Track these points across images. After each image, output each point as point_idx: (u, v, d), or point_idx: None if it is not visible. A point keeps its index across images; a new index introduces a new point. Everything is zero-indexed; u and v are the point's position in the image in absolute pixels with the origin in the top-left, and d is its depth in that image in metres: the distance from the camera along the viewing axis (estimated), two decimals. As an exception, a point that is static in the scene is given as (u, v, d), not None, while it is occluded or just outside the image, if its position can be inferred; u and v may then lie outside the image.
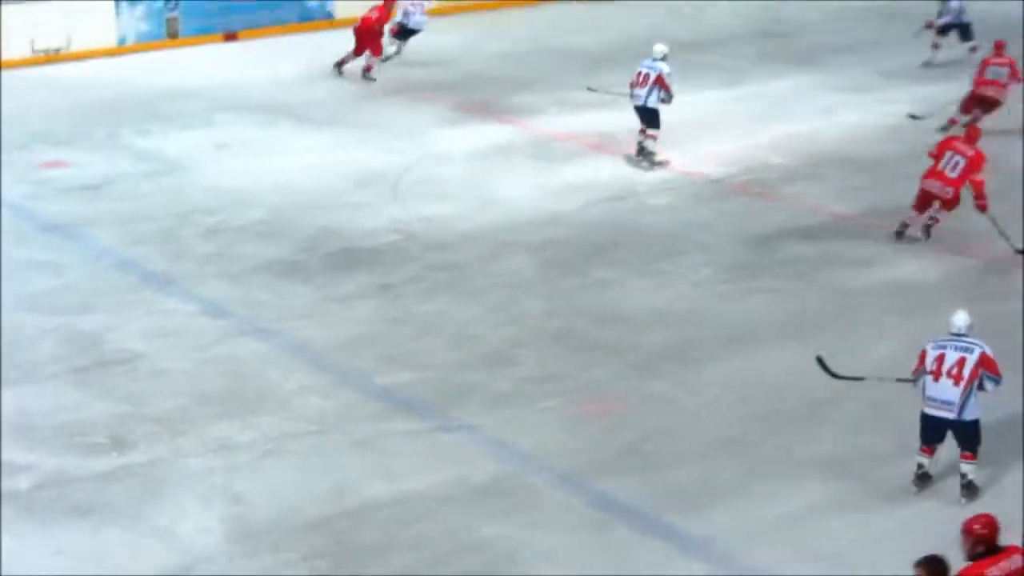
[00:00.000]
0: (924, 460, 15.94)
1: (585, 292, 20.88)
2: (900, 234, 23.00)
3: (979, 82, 28.45)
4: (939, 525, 13.91)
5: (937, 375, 15.75)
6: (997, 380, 15.75)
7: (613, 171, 25.81)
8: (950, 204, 22.75)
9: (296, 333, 19.55)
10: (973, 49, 32.70)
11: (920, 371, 15.92)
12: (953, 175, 22.54)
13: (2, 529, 14.77)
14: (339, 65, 32.01)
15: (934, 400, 15.76)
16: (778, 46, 33.94)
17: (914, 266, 21.72)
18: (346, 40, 32.34)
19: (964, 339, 15.92)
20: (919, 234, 22.90)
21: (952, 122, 28.06)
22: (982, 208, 22.35)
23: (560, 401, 17.70)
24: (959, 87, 28.98)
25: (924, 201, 22.81)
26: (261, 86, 31.34)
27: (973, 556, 11.58)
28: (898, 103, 29.46)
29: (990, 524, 11.54)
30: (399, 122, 28.58)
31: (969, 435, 15.75)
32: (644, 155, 26.45)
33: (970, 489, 15.72)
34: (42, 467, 16.05)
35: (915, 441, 16.03)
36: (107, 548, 14.63)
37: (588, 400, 17.80)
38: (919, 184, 22.78)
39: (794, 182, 25.33)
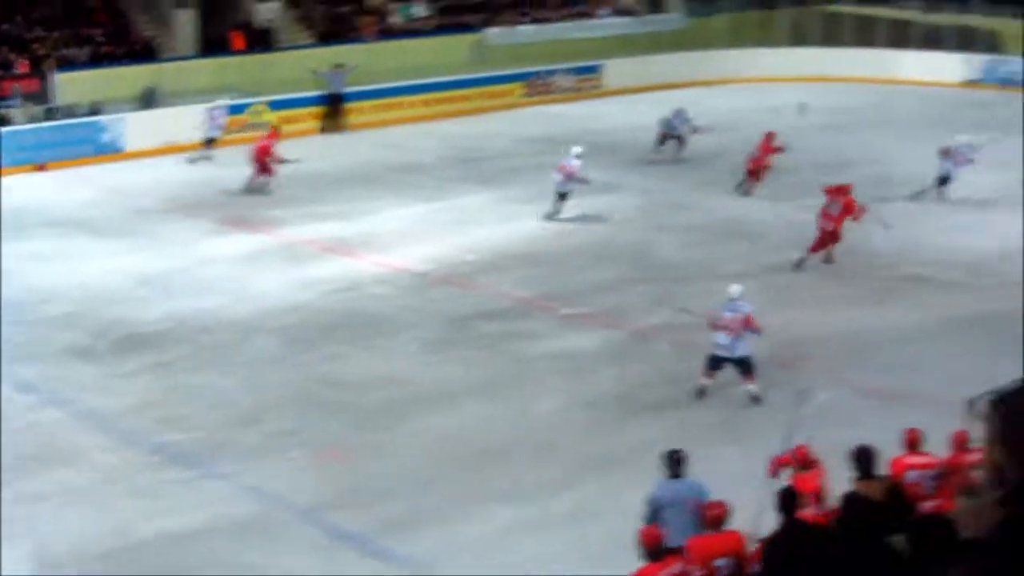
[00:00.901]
0: (706, 382, 19.09)
1: (319, 364, 20.69)
2: (799, 264, 25.51)
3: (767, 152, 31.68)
4: (597, 544, 14.06)
5: (720, 328, 18.89)
6: (756, 332, 18.89)
7: (342, 268, 25.61)
8: (834, 235, 25.49)
9: (89, 402, 19.16)
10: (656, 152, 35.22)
11: (713, 326, 18.97)
12: (834, 214, 25.38)
13: None
14: (251, 185, 31.69)
15: (718, 345, 18.95)
16: (472, 169, 34.18)
17: (576, 337, 21.85)
18: (135, 169, 32.23)
19: (736, 303, 18.95)
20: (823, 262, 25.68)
21: (747, 189, 31.58)
22: (855, 218, 25.58)
23: (300, 451, 17.53)
24: (616, 197, 29.70)
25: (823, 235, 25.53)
26: (65, 206, 30.71)
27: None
28: (565, 211, 29.69)
29: (656, 537, 11.64)
30: (173, 233, 28.17)
31: (744, 366, 18.95)
32: (556, 213, 29.10)
33: (756, 399, 18.79)
34: None
35: (578, 473, 16.73)
36: (-68, 582, 14.26)
37: (322, 450, 17.65)
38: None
39: (484, 274, 25.36)
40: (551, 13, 48.48)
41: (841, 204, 25.41)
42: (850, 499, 11.56)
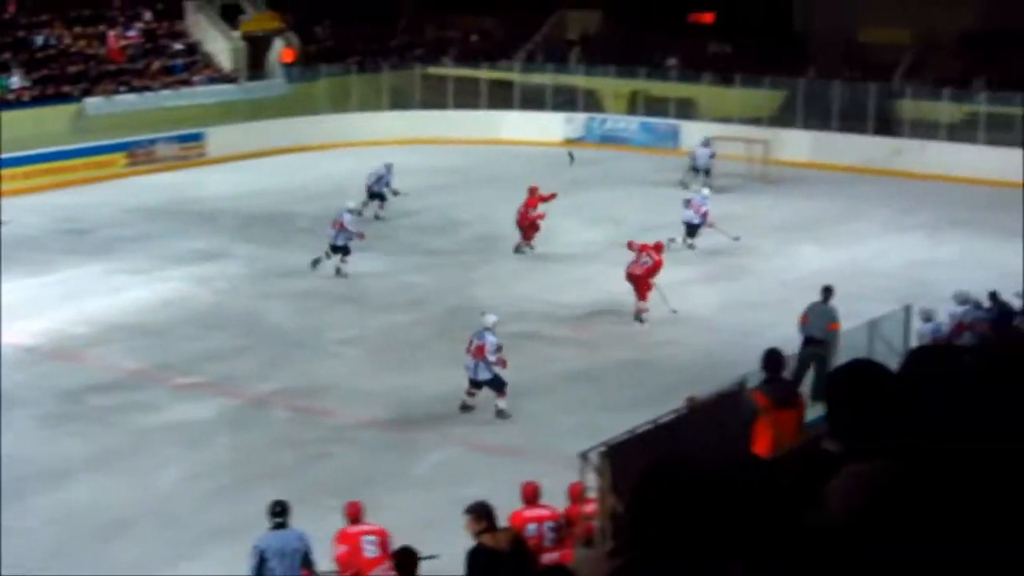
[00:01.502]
0: (468, 400, 21.06)
1: (-72, 446, 19.91)
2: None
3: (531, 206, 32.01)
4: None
5: (468, 352, 20.82)
6: (487, 362, 20.64)
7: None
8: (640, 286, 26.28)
9: None
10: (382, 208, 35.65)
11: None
12: (643, 268, 26.10)
13: None
14: None
15: (466, 367, 20.82)
16: (77, 241, 33.51)
17: (192, 407, 21.73)
18: None
19: (483, 332, 20.84)
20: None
21: (519, 247, 31.89)
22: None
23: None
24: (221, 265, 29.66)
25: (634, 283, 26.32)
26: None
27: None
28: (174, 280, 29.57)
29: None
30: None
31: (490, 385, 20.87)
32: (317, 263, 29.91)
33: (502, 414, 20.84)
34: None
35: (201, 543, 16.71)
36: None
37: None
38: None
39: (95, 346, 24.92)
40: (151, 81, 47.95)
41: (652, 262, 26.18)
42: (476, 552, 11.87)
